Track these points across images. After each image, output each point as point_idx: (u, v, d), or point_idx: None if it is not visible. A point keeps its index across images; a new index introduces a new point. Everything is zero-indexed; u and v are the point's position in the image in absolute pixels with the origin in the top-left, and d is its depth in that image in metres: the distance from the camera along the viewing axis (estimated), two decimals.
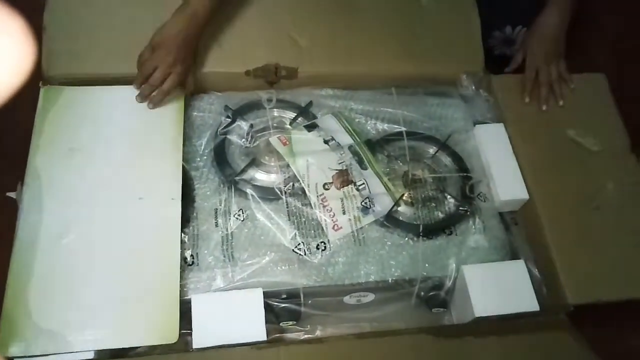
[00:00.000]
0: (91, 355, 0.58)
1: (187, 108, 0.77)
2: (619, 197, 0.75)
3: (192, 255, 0.66)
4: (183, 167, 0.72)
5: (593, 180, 0.76)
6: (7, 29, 0.19)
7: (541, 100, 0.82)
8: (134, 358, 0.60)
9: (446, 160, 0.79)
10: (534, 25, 0.87)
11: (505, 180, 0.76)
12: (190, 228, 0.68)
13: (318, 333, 0.70)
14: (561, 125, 0.81)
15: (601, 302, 0.68)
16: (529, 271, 0.69)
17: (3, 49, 0.18)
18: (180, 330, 0.58)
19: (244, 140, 0.75)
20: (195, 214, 0.69)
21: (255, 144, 0.75)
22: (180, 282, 0.64)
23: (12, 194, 0.67)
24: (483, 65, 0.86)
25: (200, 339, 0.60)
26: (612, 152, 0.79)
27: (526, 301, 0.67)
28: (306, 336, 0.70)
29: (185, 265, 0.65)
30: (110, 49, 0.76)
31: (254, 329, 0.61)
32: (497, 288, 0.67)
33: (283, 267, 0.67)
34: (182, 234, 0.67)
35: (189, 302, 0.62)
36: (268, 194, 0.71)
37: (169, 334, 0.58)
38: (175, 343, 0.58)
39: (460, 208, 0.73)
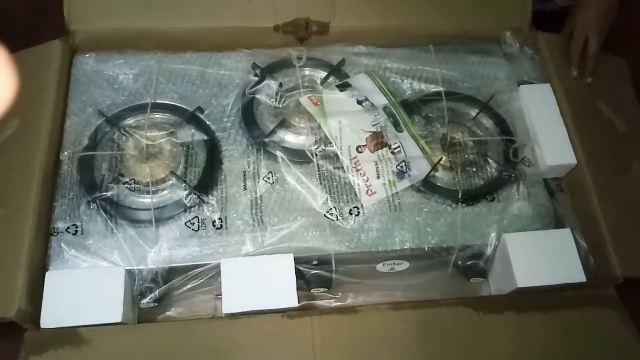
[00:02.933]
0: (119, 318, 0.56)
1: (215, 66, 0.73)
2: None
3: (220, 218, 0.63)
4: (209, 127, 0.70)
5: (625, 157, 0.72)
6: None
7: (586, 74, 0.75)
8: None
9: (488, 122, 0.74)
10: None
11: (552, 144, 0.70)
12: (218, 191, 0.65)
13: (349, 301, 0.68)
14: (594, 97, 0.75)
15: None
16: (575, 241, 0.65)
17: None
18: None
19: (272, 100, 0.72)
20: (223, 176, 0.66)
21: (284, 104, 0.71)
22: (208, 245, 0.62)
23: None
24: (530, 21, 0.79)
25: (230, 304, 0.58)
26: (635, 135, 0.74)
27: (572, 272, 0.62)
28: (337, 304, 0.67)
29: (214, 228, 0.63)
30: (133, 1, 0.73)
31: (285, 294, 0.59)
32: (541, 257, 0.63)
33: (314, 233, 0.64)
34: (210, 197, 0.64)
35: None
36: (298, 156, 0.68)
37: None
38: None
39: (504, 173, 0.68)
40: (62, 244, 0.60)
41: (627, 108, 0.76)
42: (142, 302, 0.61)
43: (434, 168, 0.68)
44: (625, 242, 0.65)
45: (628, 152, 0.72)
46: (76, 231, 0.61)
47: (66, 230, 0.61)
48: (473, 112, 0.74)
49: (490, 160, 0.70)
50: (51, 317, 0.56)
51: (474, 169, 0.70)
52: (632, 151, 0.73)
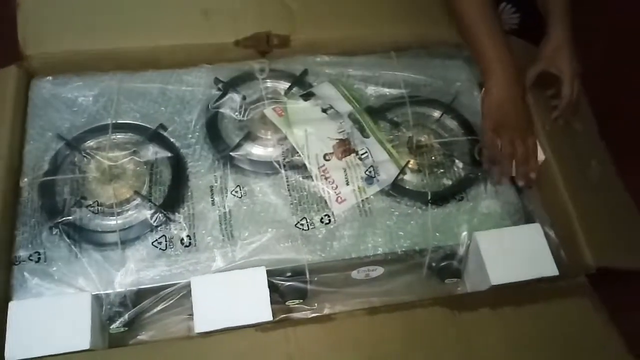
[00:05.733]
0: (87, 345, 0.54)
1: (176, 82, 0.73)
2: (603, 175, 0.73)
3: (188, 236, 0.62)
4: (173, 144, 0.69)
5: (584, 157, 0.74)
6: None
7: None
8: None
9: (452, 124, 0.75)
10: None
11: None
12: (185, 208, 0.64)
13: (326, 311, 0.67)
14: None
15: (623, 269, 0.65)
16: (546, 234, 0.66)
17: None
18: None
19: (237, 113, 0.71)
20: (189, 193, 0.65)
21: (249, 117, 0.71)
22: (177, 264, 0.60)
23: None
24: None
25: (202, 323, 0.56)
26: (590, 135, 0.78)
27: (544, 266, 0.63)
28: (314, 315, 0.66)
29: (182, 246, 0.61)
30: (90, 23, 0.72)
31: (259, 309, 0.57)
32: (513, 254, 0.64)
33: (286, 244, 0.63)
34: (177, 215, 0.63)
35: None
36: (266, 168, 0.68)
37: None
38: None
39: (470, 173, 0.69)
40: (25, 273, 0.58)
41: (582, 110, 0.78)
42: (111, 327, 0.59)
43: (402, 171, 0.68)
44: (596, 232, 0.65)
45: (586, 151, 0.75)
46: (39, 259, 0.59)
47: (29, 258, 0.59)
48: (437, 114, 0.75)
49: (457, 161, 0.70)
50: (16, 348, 0.54)
51: (442, 170, 0.70)
52: (590, 151, 0.75)
